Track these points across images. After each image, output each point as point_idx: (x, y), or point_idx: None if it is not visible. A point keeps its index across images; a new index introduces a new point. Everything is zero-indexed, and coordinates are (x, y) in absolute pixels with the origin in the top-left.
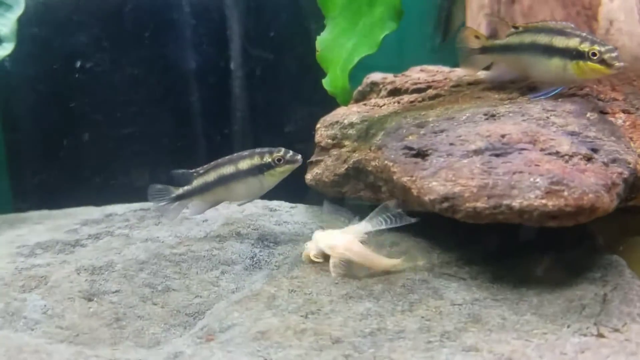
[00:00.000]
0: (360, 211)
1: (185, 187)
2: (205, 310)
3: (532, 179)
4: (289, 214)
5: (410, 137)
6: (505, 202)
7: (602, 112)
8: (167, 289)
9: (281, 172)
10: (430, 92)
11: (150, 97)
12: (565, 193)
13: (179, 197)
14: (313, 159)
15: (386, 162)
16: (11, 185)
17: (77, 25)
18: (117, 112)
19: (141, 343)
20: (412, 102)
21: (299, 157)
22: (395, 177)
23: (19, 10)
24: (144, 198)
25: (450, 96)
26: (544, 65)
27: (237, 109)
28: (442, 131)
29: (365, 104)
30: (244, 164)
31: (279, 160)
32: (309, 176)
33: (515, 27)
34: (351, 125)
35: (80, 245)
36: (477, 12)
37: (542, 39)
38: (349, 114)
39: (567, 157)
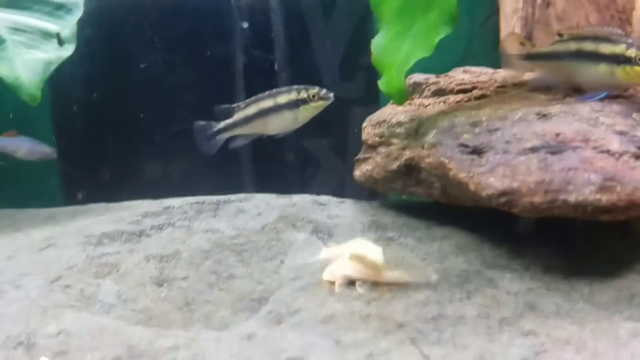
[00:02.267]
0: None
1: (227, 121)
2: (269, 296)
3: (586, 176)
4: (339, 208)
5: (465, 136)
6: (562, 197)
7: None
8: (232, 276)
9: (315, 107)
10: (476, 92)
11: (199, 97)
12: (618, 189)
13: (220, 131)
14: (360, 156)
15: (442, 159)
16: (62, 180)
17: (127, 26)
18: (166, 111)
19: (211, 325)
20: (458, 102)
21: (332, 95)
22: (451, 174)
23: (78, 12)
24: (194, 192)
25: (496, 96)
26: (590, 71)
27: None
28: (496, 130)
29: (410, 104)
30: (283, 98)
31: (313, 96)
32: (357, 172)
33: (560, 35)
34: (399, 124)
35: (145, 235)
36: (511, 15)
37: (588, 46)
38: (395, 113)
39: (617, 155)
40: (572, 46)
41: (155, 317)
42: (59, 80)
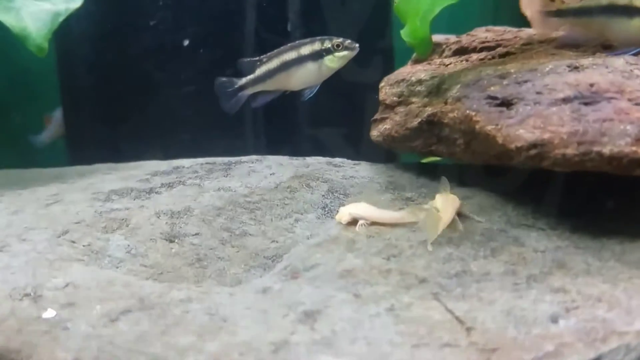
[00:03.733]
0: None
1: (249, 76)
2: (283, 254)
3: (622, 127)
4: (354, 170)
5: (492, 88)
6: (596, 148)
7: None
8: (245, 234)
9: (340, 57)
10: (500, 50)
11: (210, 57)
12: None
13: (242, 87)
14: (377, 116)
15: (468, 111)
16: (68, 141)
17: None
18: (175, 71)
19: (223, 282)
20: (481, 59)
21: (357, 45)
22: (477, 127)
23: None
24: (203, 155)
25: (522, 53)
26: (623, 26)
27: None
28: (526, 81)
29: (429, 64)
30: (305, 50)
31: (337, 46)
32: (375, 132)
33: None
34: (419, 82)
35: (155, 192)
36: None
37: (621, 0)
38: (415, 72)
39: None
40: (604, 1)
41: (166, 272)
42: (65, 35)
